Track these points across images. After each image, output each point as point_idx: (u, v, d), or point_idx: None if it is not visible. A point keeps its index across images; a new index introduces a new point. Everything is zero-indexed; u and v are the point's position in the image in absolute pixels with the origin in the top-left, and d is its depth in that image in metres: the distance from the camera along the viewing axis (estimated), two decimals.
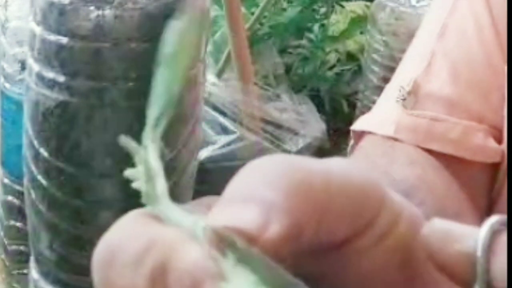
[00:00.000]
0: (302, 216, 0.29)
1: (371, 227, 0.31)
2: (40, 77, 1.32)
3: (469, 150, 0.62)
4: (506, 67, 0.61)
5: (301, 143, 1.93)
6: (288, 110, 2.01)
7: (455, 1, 0.65)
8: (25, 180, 1.42)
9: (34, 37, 1.32)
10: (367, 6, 2.31)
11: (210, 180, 1.75)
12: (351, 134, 0.68)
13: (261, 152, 1.85)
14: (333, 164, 0.31)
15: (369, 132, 0.65)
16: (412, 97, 0.63)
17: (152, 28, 1.28)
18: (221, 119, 1.88)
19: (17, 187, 1.68)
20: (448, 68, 0.63)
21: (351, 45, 2.34)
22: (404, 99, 0.63)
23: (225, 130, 1.87)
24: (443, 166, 0.61)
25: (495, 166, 0.63)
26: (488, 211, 0.63)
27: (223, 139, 1.85)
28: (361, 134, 0.66)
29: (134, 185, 0.35)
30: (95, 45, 1.27)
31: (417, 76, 0.63)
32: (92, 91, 1.28)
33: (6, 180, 1.74)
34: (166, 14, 1.28)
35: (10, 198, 1.74)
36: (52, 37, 1.29)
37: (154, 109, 0.36)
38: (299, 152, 1.90)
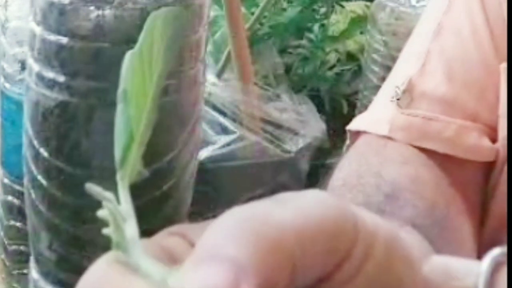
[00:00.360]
0: (274, 272, 0.29)
1: (348, 259, 0.31)
2: (40, 77, 1.31)
3: (463, 149, 0.62)
4: (501, 66, 0.61)
5: (301, 143, 1.93)
6: (288, 110, 2.01)
7: (450, 1, 0.65)
8: (25, 180, 1.42)
9: (34, 37, 1.32)
10: (367, 6, 2.31)
11: (210, 180, 1.75)
12: (348, 133, 0.69)
13: (261, 152, 1.85)
14: (304, 206, 0.30)
15: (364, 132, 0.65)
16: (406, 96, 0.63)
17: None
18: (221, 119, 1.88)
19: (17, 187, 1.68)
20: (443, 67, 0.63)
21: (351, 45, 2.34)
22: (398, 99, 0.63)
23: (225, 130, 1.87)
24: (436, 165, 0.61)
25: (490, 165, 0.63)
26: (482, 209, 0.64)
27: (223, 139, 1.85)
28: (357, 134, 0.66)
29: (105, 231, 0.34)
30: (95, 45, 1.27)
31: (412, 75, 0.63)
32: (92, 91, 1.28)
33: (6, 180, 1.74)
34: None
35: (10, 198, 1.74)
36: (52, 37, 1.29)
37: (118, 150, 0.36)
38: (299, 152, 1.90)
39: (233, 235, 0.29)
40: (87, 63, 1.28)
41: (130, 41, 1.30)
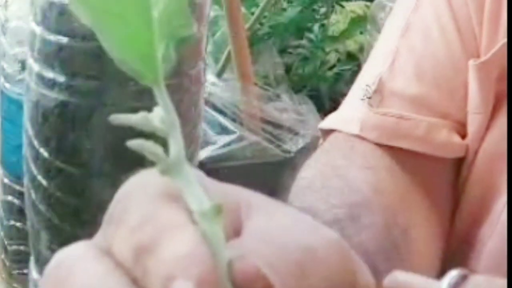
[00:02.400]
0: None
1: None
2: (40, 77, 1.32)
3: (434, 146, 0.62)
4: (469, 63, 0.62)
5: (301, 143, 1.93)
6: (288, 110, 2.01)
7: None
8: (25, 180, 1.42)
9: (34, 37, 1.32)
10: (367, 6, 2.31)
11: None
12: (320, 132, 0.69)
13: (261, 152, 1.85)
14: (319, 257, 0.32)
15: (336, 130, 0.66)
16: (377, 95, 0.64)
17: None
18: (221, 119, 1.88)
19: (17, 187, 1.68)
20: (412, 65, 0.64)
21: (351, 45, 2.34)
22: (369, 98, 0.64)
23: (225, 130, 1.87)
24: (406, 165, 0.62)
25: (460, 161, 0.64)
26: (454, 205, 0.64)
27: (223, 139, 1.85)
28: (329, 132, 0.67)
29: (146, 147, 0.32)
30: (95, 45, 1.27)
31: (382, 74, 0.64)
32: (92, 91, 1.28)
33: (6, 180, 1.74)
34: None
35: (10, 198, 1.74)
36: (52, 37, 1.29)
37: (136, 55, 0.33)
38: (299, 152, 1.90)
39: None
40: (87, 63, 1.28)
41: None
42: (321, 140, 0.70)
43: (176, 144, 0.32)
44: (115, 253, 0.32)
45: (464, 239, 0.63)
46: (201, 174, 0.35)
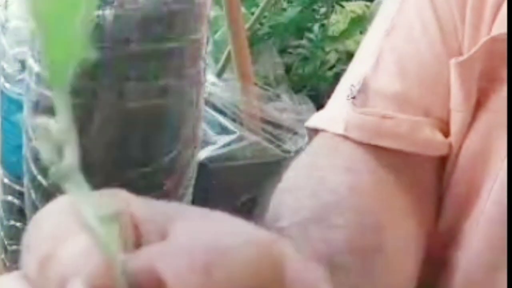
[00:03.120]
0: None
1: None
2: (40, 77, 1.32)
3: (417, 145, 0.63)
4: (451, 62, 0.63)
5: (301, 143, 1.93)
6: (288, 110, 2.01)
7: (402, 1, 0.67)
8: (25, 180, 1.42)
9: (34, 37, 1.32)
10: (367, 6, 2.31)
11: (210, 180, 1.75)
12: (306, 131, 0.70)
13: (261, 152, 1.85)
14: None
15: (322, 129, 0.66)
16: (361, 95, 0.65)
17: (152, 28, 1.28)
18: (221, 119, 1.88)
19: (17, 187, 1.68)
20: (395, 64, 0.65)
21: (351, 45, 2.34)
22: (354, 97, 0.65)
23: (225, 130, 1.87)
24: (390, 163, 0.63)
25: (443, 159, 0.64)
26: (438, 202, 0.65)
27: (223, 139, 1.85)
28: (315, 131, 0.68)
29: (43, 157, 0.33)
30: (95, 45, 1.27)
31: (366, 73, 0.65)
32: (92, 91, 1.28)
33: (6, 180, 1.74)
34: (166, 14, 1.28)
35: (10, 198, 1.74)
36: None
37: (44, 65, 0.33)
38: (299, 152, 1.90)
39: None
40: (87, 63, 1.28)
41: (130, 41, 1.30)
42: (306, 139, 0.71)
43: (71, 152, 0.32)
44: (28, 275, 0.33)
45: (448, 235, 0.63)
46: (123, 192, 0.36)
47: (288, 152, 1.90)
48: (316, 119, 0.69)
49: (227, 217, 0.35)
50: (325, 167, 0.63)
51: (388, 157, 0.63)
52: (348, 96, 0.65)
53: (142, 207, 0.35)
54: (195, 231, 0.34)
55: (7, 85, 1.67)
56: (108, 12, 1.26)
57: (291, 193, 0.62)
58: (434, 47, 0.64)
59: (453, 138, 0.64)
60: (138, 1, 1.27)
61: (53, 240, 0.33)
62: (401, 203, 0.63)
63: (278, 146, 1.90)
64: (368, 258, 0.57)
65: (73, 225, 0.33)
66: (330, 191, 0.60)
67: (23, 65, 1.57)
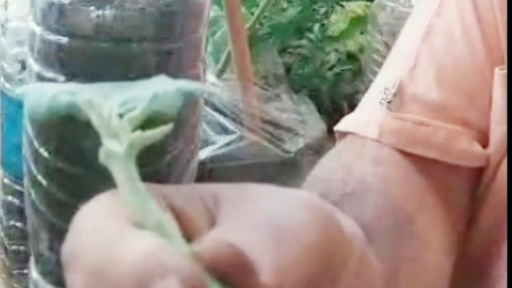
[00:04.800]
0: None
1: (329, 270, 0.33)
2: (40, 77, 1.31)
3: (453, 155, 0.61)
4: (495, 71, 0.61)
5: (301, 143, 1.93)
6: (288, 110, 2.01)
7: (441, 1, 0.65)
8: (25, 180, 1.42)
9: (34, 37, 1.32)
10: (367, 6, 2.31)
11: (210, 180, 1.74)
12: (336, 134, 0.68)
13: (261, 152, 1.85)
14: (293, 210, 0.33)
15: (352, 133, 0.64)
16: (397, 99, 0.62)
17: (152, 28, 1.28)
18: (221, 119, 1.88)
19: (17, 187, 1.67)
20: (433, 70, 0.63)
21: (351, 45, 2.34)
22: (389, 102, 0.63)
23: (225, 130, 1.87)
24: (424, 171, 0.61)
25: (480, 171, 0.62)
26: (472, 215, 0.63)
27: (223, 139, 1.85)
28: (344, 135, 0.66)
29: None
30: (95, 45, 1.27)
31: (402, 77, 0.63)
32: None
33: (6, 180, 1.74)
34: (166, 14, 1.28)
35: (10, 198, 1.74)
36: (52, 37, 1.29)
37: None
38: (299, 152, 1.90)
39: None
40: (87, 63, 1.28)
41: (130, 41, 1.30)
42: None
43: (127, 140, 0.32)
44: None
45: (485, 247, 0.62)
46: (156, 185, 0.34)
47: (288, 152, 1.89)
48: (347, 122, 0.66)
49: (267, 188, 0.35)
50: (353, 161, 0.61)
51: (420, 164, 0.61)
52: (381, 100, 0.63)
53: (176, 195, 0.33)
54: (246, 210, 0.33)
55: (7, 85, 1.67)
56: (108, 12, 1.26)
57: (318, 183, 0.60)
58: (475, 54, 0.62)
59: (492, 150, 0.61)
60: (138, 1, 1.27)
61: (105, 243, 0.30)
62: (430, 202, 0.61)
63: (278, 146, 1.90)
64: (397, 244, 0.55)
65: (124, 224, 0.31)
66: (358, 180, 0.58)
67: (23, 65, 1.57)
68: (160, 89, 0.32)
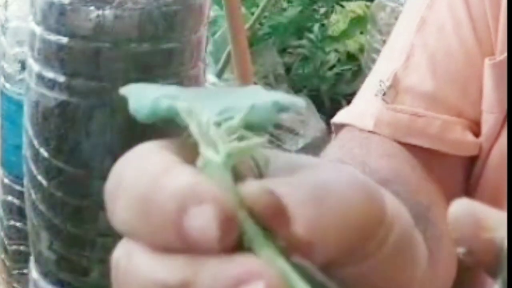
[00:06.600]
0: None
1: (371, 238, 0.33)
2: (40, 77, 1.31)
3: (447, 144, 0.62)
4: (485, 62, 0.61)
5: (301, 143, 1.93)
6: None
7: None
8: (25, 180, 1.42)
9: (34, 37, 1.32)
10: (367, 6, 2.31)
11: None
12: (332, 127, 0.69)
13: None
14: (339, 184, 0.33)
15: (349, 125, 0.65)
16: (392, 91, 0.63)
17: (152, 28, 1.28)
18: None
19: (17, 187, 1.67)
20: (427, 62, 0.64)
21: (351, 45, 2.34)
22: (384, 94, 0.64)
23: None
24: (420, 161, 0.62)
25: (473, 158, 0.63)
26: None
27: None
28: (341, 127, 0.67)
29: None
30: (95, 45, 1.27)
31: (397, 69, 0.64)
32: (92, 91, 1.28)
33: (6, 180, 1.74)
34: (166, 14, 1.28)
35: (10, 198, 1.74)
36: (52, 37, 1.29)
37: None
38: (299, 152, 1.90)
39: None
40: (87, 63, 1.28)
41: (130, 41, 1.30)
42: (333, 136, 0.69)
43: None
44: (116, 224, 0.32)
45: None
46: None
47: (288, 152, 1.89)
48: (343, 115, 0.67)
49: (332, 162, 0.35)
50: (363, 155, 0.62)
51: (417, 154, 0.62)
52: (377, 92, 0.64)
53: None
54: (298, 171, 0.33)
55: (7, 85, 1.67)
56: (108, 12, 1.26)
57: None
58: (466, 45, 0.63)
59: (483, 139, 0.62)
60: (138, 1, 1.27)
61: (150, 173, 0.31)
62: (435, 192, 0.62)
63: (278, 146, 1.90)
64: (423, 227, 0.55)
65: (170, 158, 0.32)
66: (372, 172, 0.59)
67: (23, 65, 1.57)
68: (258, 101, 0.33)
